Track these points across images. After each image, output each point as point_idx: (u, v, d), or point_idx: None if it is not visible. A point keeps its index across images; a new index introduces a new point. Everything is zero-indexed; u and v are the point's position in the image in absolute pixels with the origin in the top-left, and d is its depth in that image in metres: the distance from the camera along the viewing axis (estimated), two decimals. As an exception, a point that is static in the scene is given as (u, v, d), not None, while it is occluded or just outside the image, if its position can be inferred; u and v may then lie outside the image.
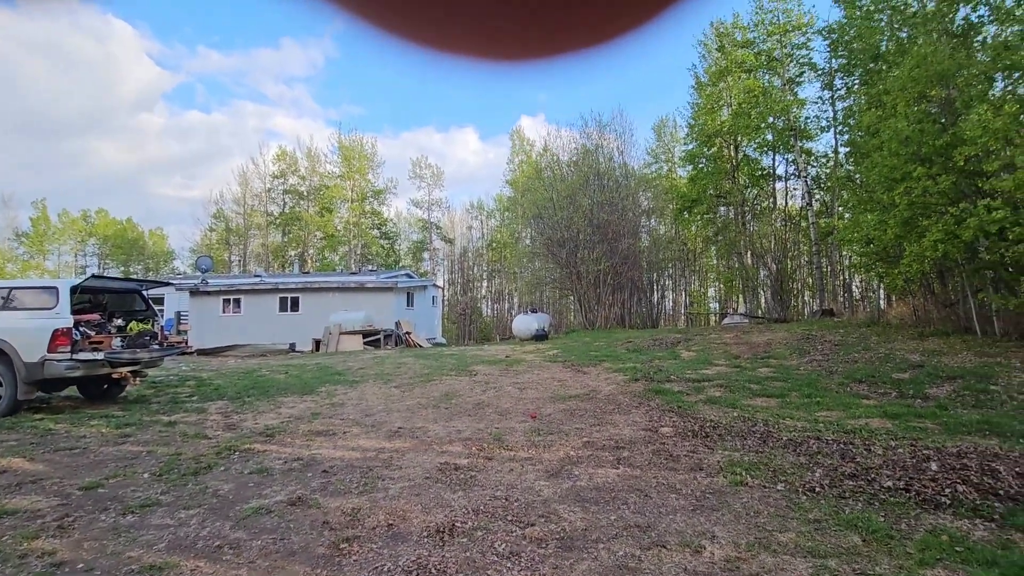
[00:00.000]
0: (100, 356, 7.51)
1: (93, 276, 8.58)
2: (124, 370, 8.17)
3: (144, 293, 9.58)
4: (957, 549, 3.22)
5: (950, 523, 3.58)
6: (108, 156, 75.39)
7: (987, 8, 12.77)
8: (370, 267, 38.10)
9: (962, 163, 9.92)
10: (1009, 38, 10.61)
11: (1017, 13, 11.02)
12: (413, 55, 0.44)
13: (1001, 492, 3.93)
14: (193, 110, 79.36)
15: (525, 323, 21.34)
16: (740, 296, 28.84)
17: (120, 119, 76.10)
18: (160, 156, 76.90)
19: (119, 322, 9.04)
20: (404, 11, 0.43)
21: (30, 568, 3.17)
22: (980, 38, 12.99)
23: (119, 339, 8.24)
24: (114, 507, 4.12)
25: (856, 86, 19.69)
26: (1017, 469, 4.30)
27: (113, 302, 9.38)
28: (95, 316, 8.50)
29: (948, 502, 3.85)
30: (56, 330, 7.26)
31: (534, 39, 0.45)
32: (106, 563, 3.23)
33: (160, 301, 23.82)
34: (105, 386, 8.91)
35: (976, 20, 13.31)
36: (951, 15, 13.39)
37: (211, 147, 76.64)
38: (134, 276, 48.90)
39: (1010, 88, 11.18)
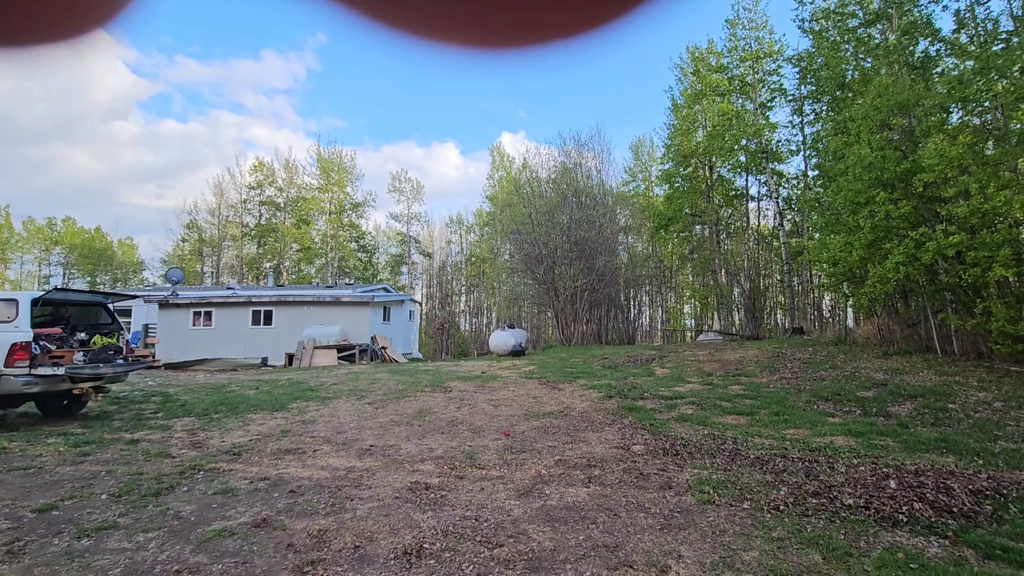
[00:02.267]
0: (60, 371, 7.26)
1: (56, 288, 8.32)
2: (85, 385, 7.92)
3: (110, 306, 9.33)
4: (912, 566, 3.32)
5: (906, 540, 3.69)
6: (78, 163, 73.55)
7: (943, 43, 13.49)
8: (347, 280, 37.73)
9: (921, 189, 10.37)
10: (964, 71, 11.20)
11: (971, 49, 11.66)
12: (398, 43, 0.45)
13: (955, 509, 4.07)
14: (169, 119, 78.11)
15: (502, 339, 21.33)
16: (715, 313, 29.34)
17: (92, 126, 74.50)
18: (133, 165, 75.33)
19: (82, 336, 8.76)
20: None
21: (-26, 597, 3.03)
22: (938, 70, 13.69)
23: (81, 353, 7.98)
24: (69, 530, 3.97)
25: (824, 112, 20.49)
26: (971, 486, 4.46)
27: (76, 315, 9.10)
28: (57, 330, 8.23)
29: (905, 519, 3.97)
30: (14, 344, 7.01)
31: (516, 27, 0.46)
32: (56, 590, 3.11)
33: (127, 313, 23.15)
34: (65, 402, 8.58)
35: (934, 53, 14.06)
36: (911, 47, 14.10)
37: (186, 157, 75.38)
38: (101, 287, 47.53)
39: (966, 119, 11.78)
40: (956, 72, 11.59)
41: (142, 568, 3.40)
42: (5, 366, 6.95)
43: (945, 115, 11.82)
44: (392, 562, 3.47)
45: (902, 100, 11.55)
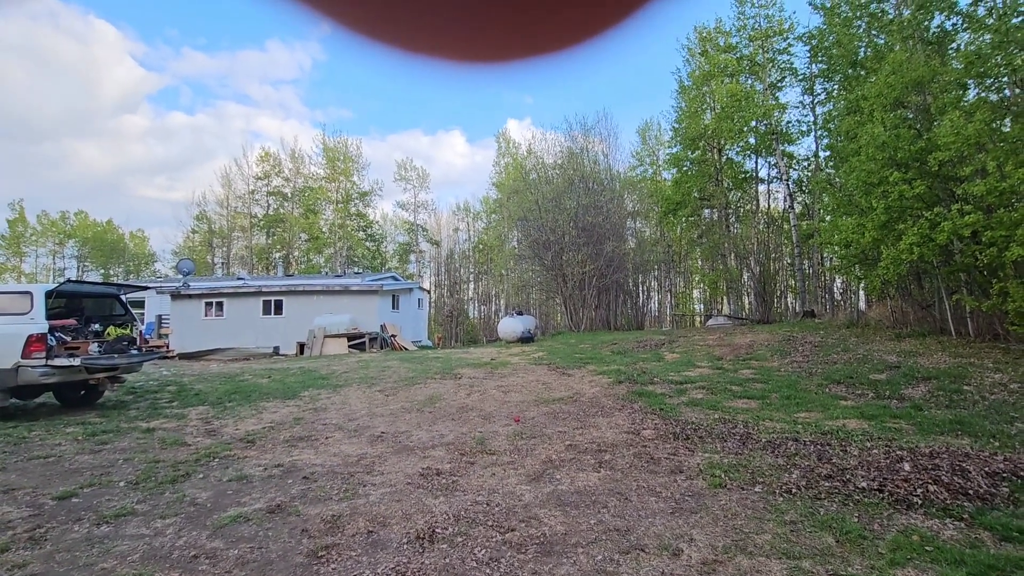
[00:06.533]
0: (76, 362, 7.36)
1: (68, 280, 8.42)
2: (101, 375, 8.03)
3: (123, 297, 9.42)
4: (927, 549, 3.29)
5: (921, 523, 3.66)
6: (89, 158, 74.03)
7: (960, 17, 13.11)
8: (355, 269, 37.88)
9: (936, 168, 10.16)
10: (981, 46, 10.89)
11: (988, 22, 11.32)
12: (397, 59, 0.44)
13: (971, 492, 4.03)
14: (177, 111, 78.22)
15: (511, 326, 21.34)
16: (724, 298, 29.11)
17: (102, 121, 74.75)
18: (143, 158, 75.63)
19: (96, 327, 8.87)
20: (387, 17, 0.43)
21: (-1, 582, 3.10)
22: (954, 45, 13.32)
23: (96, 344, 8.08)
24: (88, 517, 4.05)
25: (835, 91, 20.08)
26: (987, 468, 4.41)
27: (90, 307, 9.20)
28: (71, 321, 8.33)
29: (920, 502, 3.94)
30: (30, 335, 7.11)
31: (517, 40, 0.45)
32: (78, 575, 3.17)
33: (141, 305, 23.44)
34: (82, 392, 8.73)
35: (950, 28, 13.66)
36: (926, 22, 13.71)
37: (194, 149, 75.58)
38: (114, 279, 48.08)
39: (983, 95, 11.48)
40: (973, 47, 11.27)
41: (160, 553, 3.46)
42: (23, 357, 7.06)
43: (962, 91, 11.54)
44: (405, 546, 3.51)
45: (917, 76, 11.28)
